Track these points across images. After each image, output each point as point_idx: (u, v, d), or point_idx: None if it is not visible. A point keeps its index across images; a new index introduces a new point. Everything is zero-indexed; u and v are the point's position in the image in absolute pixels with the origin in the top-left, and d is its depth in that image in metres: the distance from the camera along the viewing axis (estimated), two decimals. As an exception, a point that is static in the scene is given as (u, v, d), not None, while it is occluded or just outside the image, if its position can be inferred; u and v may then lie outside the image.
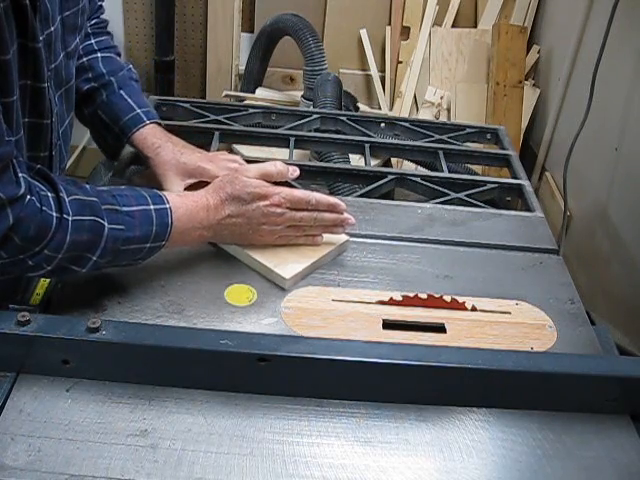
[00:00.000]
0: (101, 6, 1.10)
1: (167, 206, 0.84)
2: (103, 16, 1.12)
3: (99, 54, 1.07)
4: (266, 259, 0.94)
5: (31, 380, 0.74)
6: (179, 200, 0.86)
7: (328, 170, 1.26)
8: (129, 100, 1.06)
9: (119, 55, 1.12)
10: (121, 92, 1.06)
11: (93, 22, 1.08)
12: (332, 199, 0.96)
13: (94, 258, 0.79)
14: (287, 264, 0.94)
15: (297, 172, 0.99)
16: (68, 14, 0.88)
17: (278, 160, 0.99)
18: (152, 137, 1.03)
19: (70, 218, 0.76)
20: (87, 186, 0.81)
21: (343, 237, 1.01)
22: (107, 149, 1.10)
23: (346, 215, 0.97)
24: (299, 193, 0.94)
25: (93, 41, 1.07)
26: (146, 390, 0.75)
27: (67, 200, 0.76)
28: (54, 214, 0.75)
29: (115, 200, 0.81)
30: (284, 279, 0.92)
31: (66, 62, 0.91)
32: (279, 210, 0.92)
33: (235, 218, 0.90)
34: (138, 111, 1.05)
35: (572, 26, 1.95)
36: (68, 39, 0.90)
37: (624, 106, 1.62)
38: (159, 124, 1.08)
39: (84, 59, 1.04)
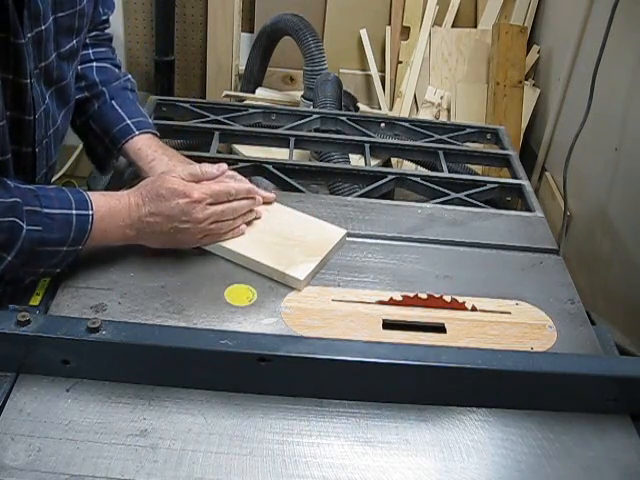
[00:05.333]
0: (106, 20, 1.09)
1: (89, 213, 0.85)
2: (108, 31, 1.11)
3: (94, 64, 1.06)
4: (274, 262, 0.93)
5: (31, 380, 0.74)
6: (102, 200, 0.88)
7: (328, 170, 1.26)
8: (119, 110, 1.05)
9: (118, 67, 1.11)
10: (112, 102, 1.06)
11: (94, 34, 1.07)
12: (248, 185, 0.98)
13: (9, 258, 0.80)
14: (297, 265, 0.93)
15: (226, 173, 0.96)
16: (62, 15, 0.88)
17: (206, 163, 0.95)
18: (147, 149, 1.03)
19: None
20: (12, 185, 0.82)
21: (342, 231, 1.02)
22: (97, 160, 1.10)
23: (260, 194, 0.99)
24: (217, 186, 0.92)
25: (90, 51, 1.06)
26: (146, 390, 0.75)
27: None
28: None
29: (38, 201, 0.83)
30: (298, 280, 0.91)
31: (58, 62, 0.90)
32: (200, 207, 0.90)
33: (155, 217, 0.89)
34: (128, 122, 1.04)
35: (572, 26, 1.95)
36: (61, 40, 0.90)
37: (624, 106, 1.62)
38: (155, 134, 1.07)
39: (79, 67, 1.03)
